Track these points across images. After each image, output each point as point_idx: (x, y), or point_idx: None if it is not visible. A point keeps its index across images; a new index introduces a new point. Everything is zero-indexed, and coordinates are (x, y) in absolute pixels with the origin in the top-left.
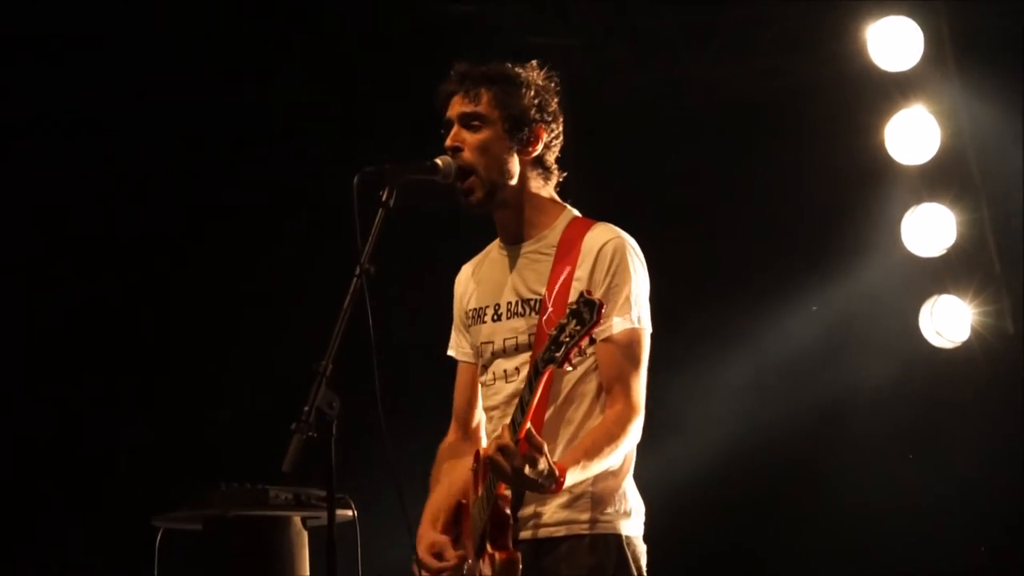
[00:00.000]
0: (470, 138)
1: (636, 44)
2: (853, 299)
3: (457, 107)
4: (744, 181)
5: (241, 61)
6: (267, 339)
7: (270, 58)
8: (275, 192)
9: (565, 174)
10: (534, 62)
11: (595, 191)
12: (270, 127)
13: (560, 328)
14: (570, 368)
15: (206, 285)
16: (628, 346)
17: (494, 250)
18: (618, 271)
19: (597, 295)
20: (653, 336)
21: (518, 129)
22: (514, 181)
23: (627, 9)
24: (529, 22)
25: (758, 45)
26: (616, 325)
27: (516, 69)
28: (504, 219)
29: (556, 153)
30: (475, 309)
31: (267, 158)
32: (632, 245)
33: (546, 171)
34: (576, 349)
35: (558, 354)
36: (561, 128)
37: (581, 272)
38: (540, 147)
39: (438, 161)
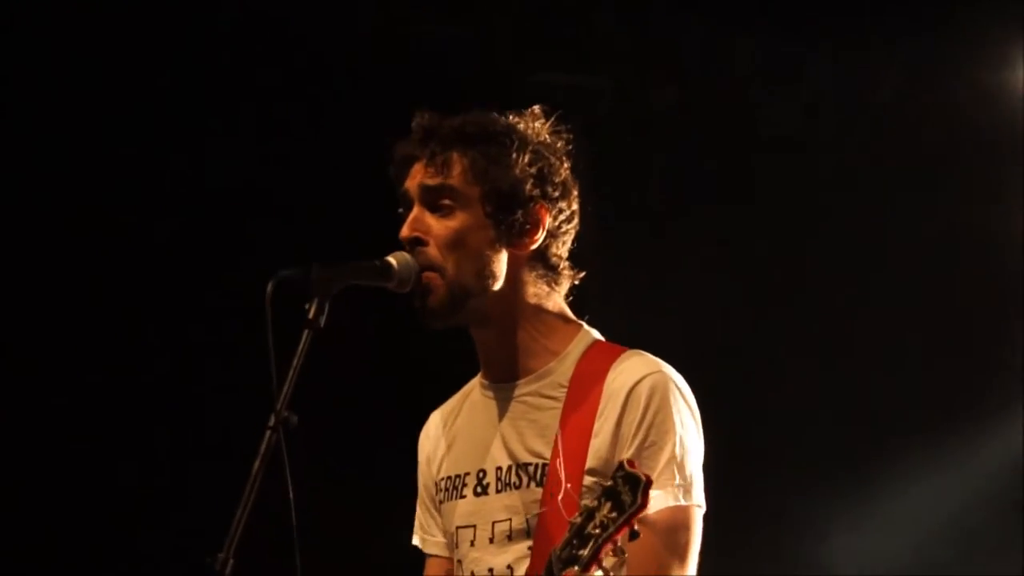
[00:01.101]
0: (436, 225)
1: (687, 83)
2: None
3: (418, 177)
4: (867, 263)
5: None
6: None
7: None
8: None
9: (583, 274)
10: (536, 108)
11: (629, 299)
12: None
13: (587, 514)
14: (599, 574)
15: None
16: (671, 532)
17: (475, 391)
18: (657, 422)
19: (625, 456)
20: (708, 516)
21: (507, 211)
22: (499, 286)
23: (673, 35)
24: (537, 51)
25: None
26: (654, 502)
27: (507, 119)
28: (487, 343)
29: (567, 245)
30: (449, 478)
31: None
32: (678, 383)
33: (551, 272)
34: (610, 546)
35: (584, 552)
36: (575, 207)
37: (603, 423)
38: (541, 236)
39: (391, 260)
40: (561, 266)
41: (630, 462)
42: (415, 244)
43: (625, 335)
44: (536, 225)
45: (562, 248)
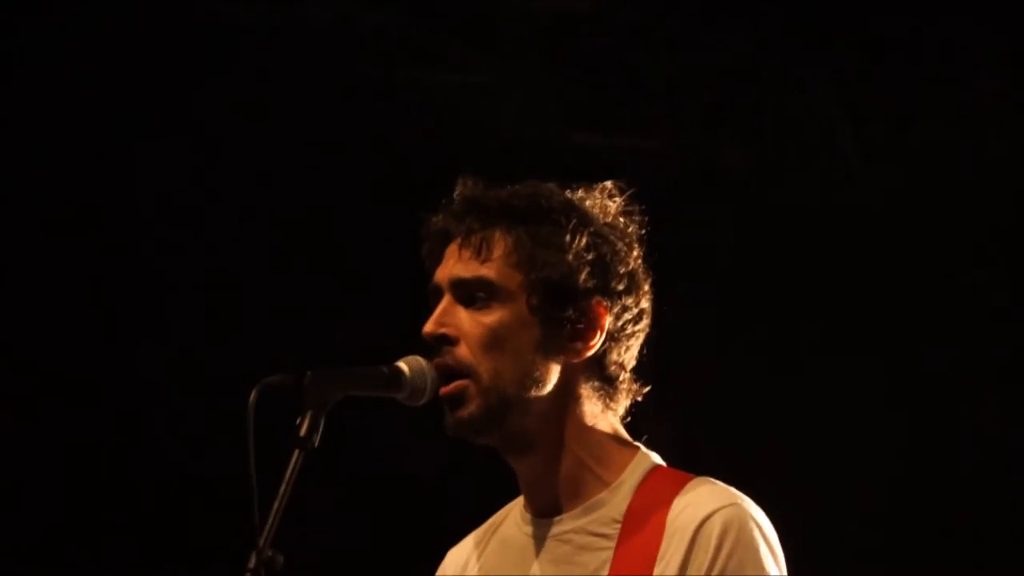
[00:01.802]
0: (468, 321)
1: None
2: None
3: (452, 264)
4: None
5: None
6: None
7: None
8: None
9: (647, 389)
10: (608, 183)
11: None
12: None
13: None
14: None
15: None
16: None
17: (507, 524)
18: (732, 566)
19: None
20: None
21: (556, 306)
22: (545, 400)
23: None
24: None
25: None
26: None
27: (567, 194)
28: (529, 470)
29: (632, 351)
30: None
31: None
32: (757, 519)
33: (609, 384)
34: None
35: None
36: (645, 306)
37: (665, 568)
38: (599, 340)
39: (402, 366)
40: (621, 378)
41: None
42: (442, 343)
43: (691, 460)
44: (592, 325)
45: (624, 355)
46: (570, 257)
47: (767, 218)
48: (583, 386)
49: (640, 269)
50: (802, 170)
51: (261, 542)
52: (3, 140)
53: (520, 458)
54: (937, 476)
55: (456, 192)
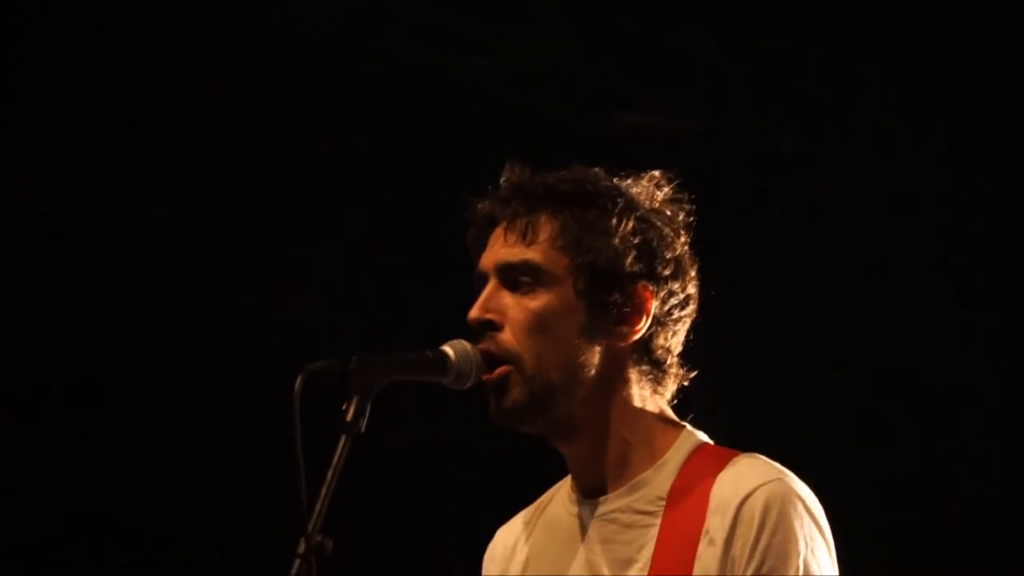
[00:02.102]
0: (514, 306)
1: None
2: None
3: (497, 249)
4: None
5: None
6: None
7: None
8: None
9: (695, 373)
10: (656, 172)
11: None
12: None
13: None
14: None
15: None
16: None
17: (554, 505)
18: (775, 543)
19: None
20: None
21: (603, 290)
22: (591, 385)
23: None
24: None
25: None
26: None
27: (614, 180)
28: (577, 455)
29: (679, 336)
30: None
31: None
32: (802, 494)
33: (656, 368)
34: None
35: None
36: (692, 291)
37: (709, 545)
38: (645, 324)
39: (447, 350)
40: (669, 361)
41: None
42: (486, 328)
43: (739, 437)
44: (638, 310)
45: (671, 340)
46: (616, 241)
47: (815, 205)
48: (631, 370)
49: (687, 255)
50: (852, 158)
51: (310, 527)
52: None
53: (566, 443)
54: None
55: (503, 177)
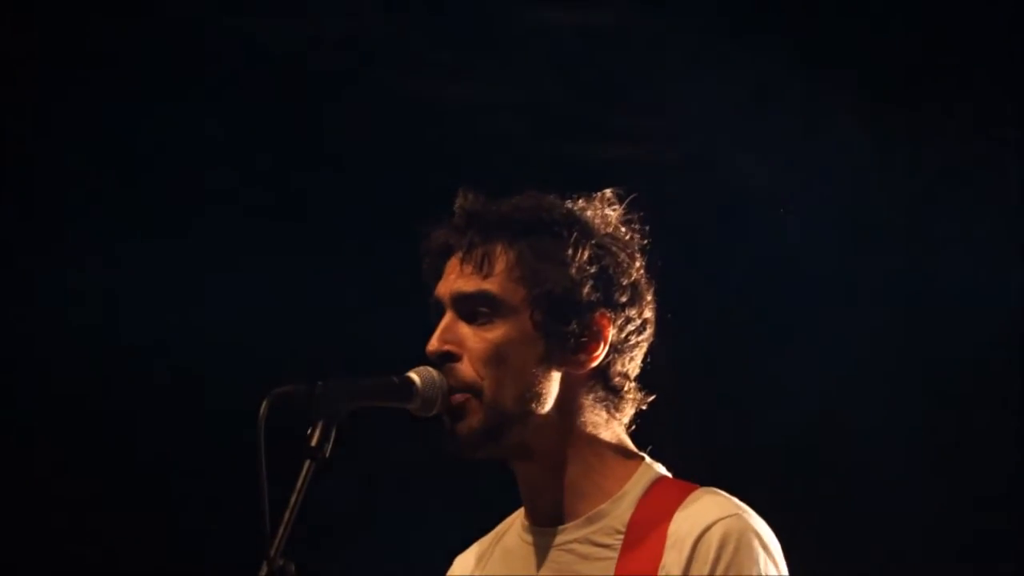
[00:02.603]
0: (472, 337)
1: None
2: None
3: (453, 279)
4: None
5: None
6: None
7: None
8: None
9: (652, 398)
10: (608, 191)
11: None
12: None
13: None
14: None
15: None
16: None
17: (510, 534)
18: (730, 574)
19: None
20: None
21: (559, 320)
22: (547, 412)
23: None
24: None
25: None
26: None
27: (569, 204)
28: (528, 480)
29: (636, 361)
30: None
31: None
32: (759, 530)
33: (612, 395)
34: None
35: None
36: (648, 315)
37: None
38: (602, 352)
39: (413, 377)
40: (625, 388)
41: None
42: (445, 359)
43: (699, 471)
44: (596, 338)
45: (628, 365)
46: (573, 271)
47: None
48: (585, 397)
49: (643, 279)
50: (818, 185)
51: (272, 551)
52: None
53: (520, 464)
54: None
55: (456, 205)
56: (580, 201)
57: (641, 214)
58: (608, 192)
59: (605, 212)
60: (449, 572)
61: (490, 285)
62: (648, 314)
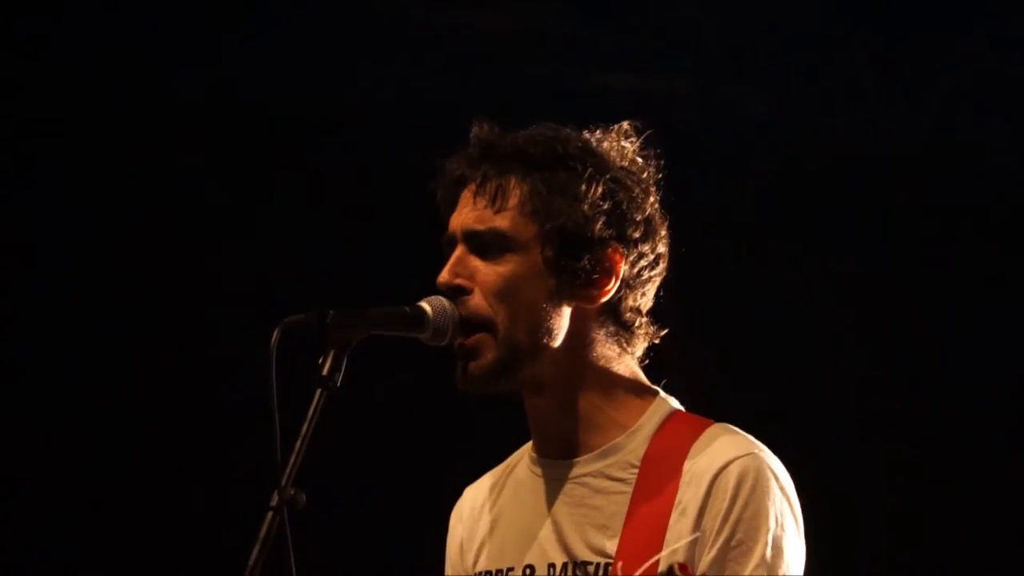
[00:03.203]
0: (484, 270)
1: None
2: None
3: (465, 213)
4: None
5: None
6: None
7: None
8: None
9: (665, 331)
10: (626, 124)
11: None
12: None
13: None
14: None
15: None
16: None
17: (521, 466)
18: (746, 517)
19: (706, 560)
20: None
21: (571, 256)
22: (558, 346)
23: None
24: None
25: None
26: None
27: (585, 138)
28: (540, 412)
29: (649, 296)
30: (488, 573)
31: None
32: (774, 469)
33: (623, 330)
34: None
35: None
36: (662, 250)
37: (681, 515)
38: (614, 287)
39: (425, 306)
40: (636, 323)
41: (681, 566)
42: (456, 293)
43: (711, 405)
44: (608, 273)
45: (640, 300)
46: (586, 206)
47: (790, 166)
48: (597, 331)
49: (657, 214)
50: (827, 119)
51: (284, 480)
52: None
53: (533, 396)
54: None
55: (472, 135)
56: (597, 133)
57: (658, 151)
58: (626, 124)
59: (622, 145)
60: (459, 503)
61: (501, 221)
62: (662, 249)
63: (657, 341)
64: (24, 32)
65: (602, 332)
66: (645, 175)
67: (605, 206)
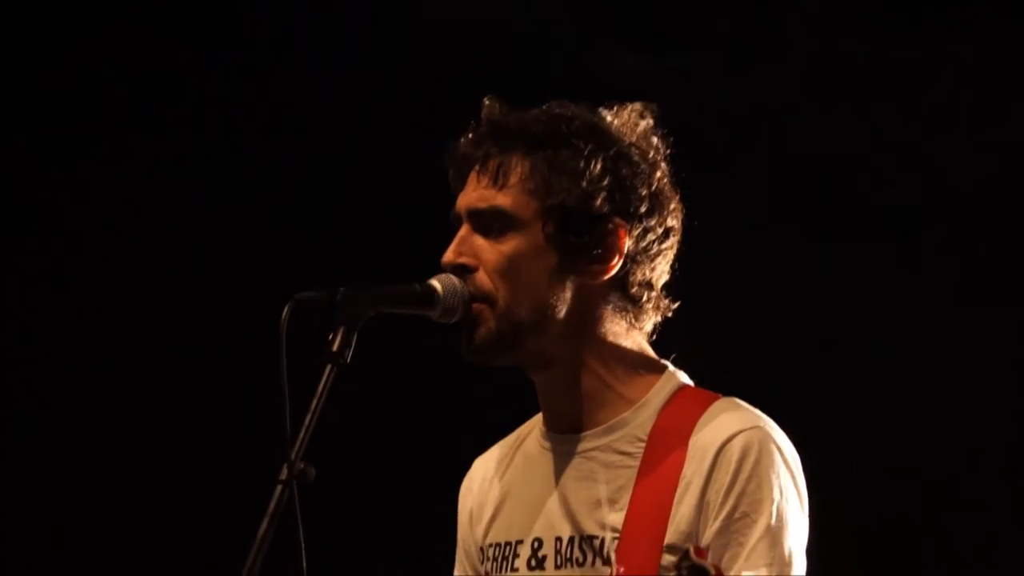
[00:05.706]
0: (487, 249)
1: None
2: None
3: (469, 192)
4: None
5: None
6: None
7: None
8: None
9: (677, 305)
10: (638, 104)
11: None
12: None
13: None
14: None
15: None
16: None
17: (531, 440)
18: (750, 489)
19: (710, 532)
20: None
21: (572, 232)
22: (563, 322)
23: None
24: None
25: None
26: None
27: (593, 115)
28: (548, 388)
29: (659, 270)
30: (498, 546)
31: None
32: (779, 442)
33: (631, 304)
34: None
35: None
36: (673, 223)
37: (687, 489)
38: (618, 263)
39: (435, 284)
40: (644, 297)
41: (698, 550)
42: (461, 272)
43: (720, 379)
44: (611, 249)
45: (650, 274)
46: (585, 183)
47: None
48: (604, 307)
49: (666, 187)
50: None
51: (293, 454)
52: None
53: (540, 372)
54: None
55: (483, 113)
56: (607, 112)
57: (667, 130)
58: (639, 105)
59: (633, 120)
60: (469, 475)
61: (502, 199)
62: (672, 222)
63: (669, 315)
64: None
65: (609, 307)
66: (653, 150)
67: (606, 182)
